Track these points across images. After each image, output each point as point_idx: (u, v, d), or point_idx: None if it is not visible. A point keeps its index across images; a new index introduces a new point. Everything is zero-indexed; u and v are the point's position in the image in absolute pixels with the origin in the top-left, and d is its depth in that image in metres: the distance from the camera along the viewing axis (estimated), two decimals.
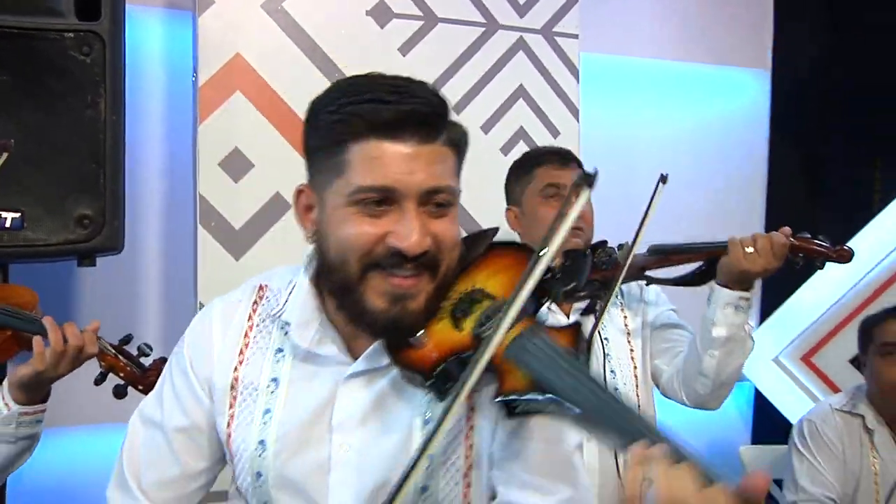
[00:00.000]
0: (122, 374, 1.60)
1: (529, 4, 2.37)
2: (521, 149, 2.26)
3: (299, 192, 1.07)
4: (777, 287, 2.78)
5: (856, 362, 2.53)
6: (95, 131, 1.84)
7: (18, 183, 1.78)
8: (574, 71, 2.40)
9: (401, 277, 0.97)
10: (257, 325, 1.13)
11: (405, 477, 0.93)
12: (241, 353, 1.12)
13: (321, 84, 1.55)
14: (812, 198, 3.20)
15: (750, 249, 1.71)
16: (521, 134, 2.35)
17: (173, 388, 1.14)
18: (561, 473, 1.03)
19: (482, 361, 0.93)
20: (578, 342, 0.99)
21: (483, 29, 2.30)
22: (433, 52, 2.28)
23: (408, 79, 0.99)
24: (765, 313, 2.99)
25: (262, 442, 1.07)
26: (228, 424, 1.09)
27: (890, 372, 2.11)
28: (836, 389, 2.74)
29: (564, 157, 1.82)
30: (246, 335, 1.13)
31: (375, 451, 1.06)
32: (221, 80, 2.08)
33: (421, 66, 2.24)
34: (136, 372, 1.60)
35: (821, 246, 1.73)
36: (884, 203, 2.91)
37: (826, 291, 2.87)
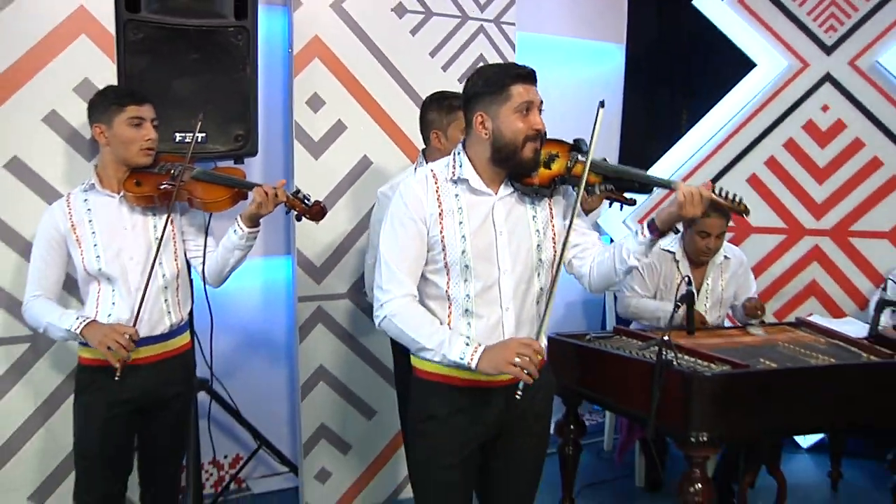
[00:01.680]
0: (298, 210, 2.45)
1: (488, 2, 3.73)
2: None
3: (480, 116, 2.03)
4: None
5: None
6: (244, 86, 3.00)
7: (203, 117, 2.75)
8: (513, 45, 3.77)
9: (536, 143, 2.04)
10: (441, 186, 2.09)
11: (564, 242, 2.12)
12: (438, 199, 2.07)
13: (367, 55, 3.36)
14: (649, 136, 4.67)
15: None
16: None
17: (405, 224, 2.05)
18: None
19: (585, 175, 2.10)
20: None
21: (459, 19, 3.66)
22: (431, 35, 3.56)
23: (515, 63, 2.14)
24: None
25: (463, 236, 2.05)
26: (441, 232, 2.05)
27: (697, 243, 3.52)
28: None
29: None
30: (437, 191, 2.08)
31: (515, 232, 2.10)
32: (306, 51, 3.35)
33: (423, 41, 3.56)
34: (305, 207, 2.45)
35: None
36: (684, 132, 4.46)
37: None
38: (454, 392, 2.12)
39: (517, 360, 1.91)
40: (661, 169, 4.28)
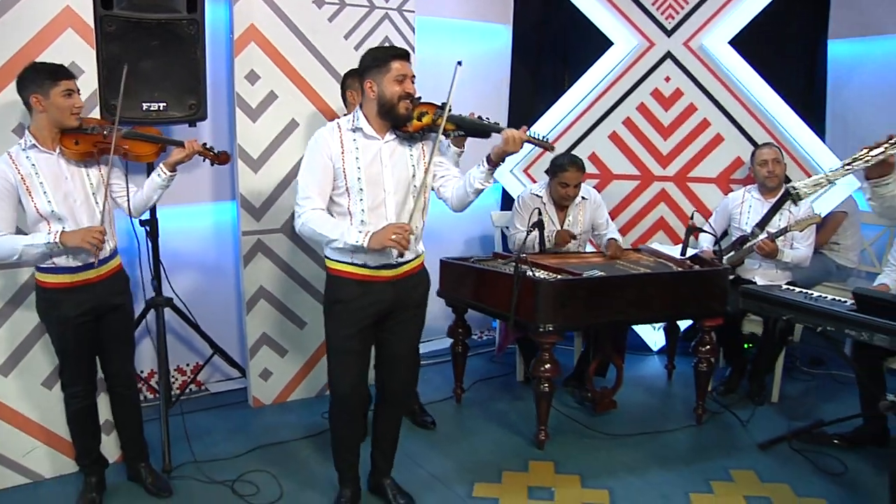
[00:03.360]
0: (209, 157, 3.34)
1: None
2: None
3: (370, 83, 2.87)
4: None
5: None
6: (196, 66, 3.74)
7: (163, 91, 3.67)
8: (413, 28, 4.62)
9: (409, 101, 2.86)
10: (343, 133, 2.91)
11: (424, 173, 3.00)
12: (341, 142, 2.89)
13: (293, 38, 4.26)
14: (532, 100, 5.56)
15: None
16: None
17: (316, 159, 2.89)
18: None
19: (442, 123, 2.98)
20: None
21: (368, 8, 4.52)
22: (345, 21, 4.39)
23: (395, 46, 3.16)
24: None
25: (359, 167, 2.87)
26: (343, 165, 2.87)
27: (559, 191, 4.47)
28: (535, 181, 5.22)
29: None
30: (340, 138, 2.90)
31: (397, 166, 2.95)
32: (244, 36, 4.16)
33: (339, 27, 4.38)
34: (214, 155, 3.34)
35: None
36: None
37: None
38: (355, 283, 3.01)
39: (394, 236, 2.82)
40: (543, 126, 5.26)
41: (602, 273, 3.96)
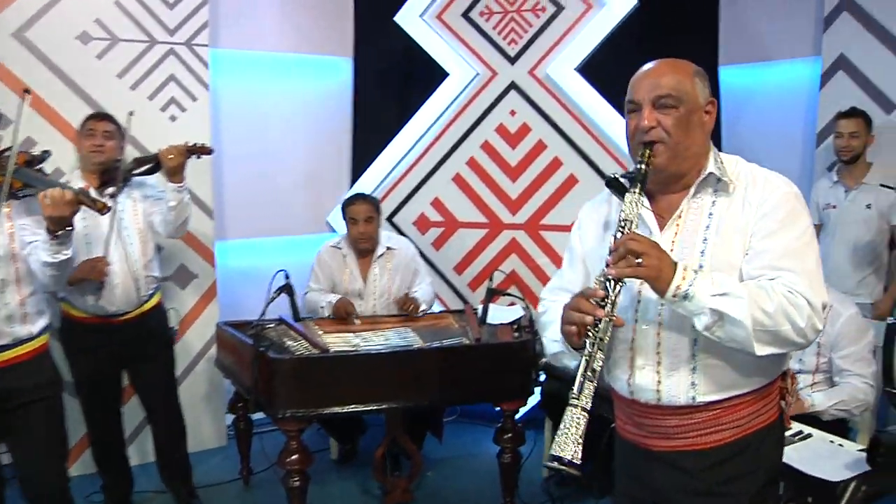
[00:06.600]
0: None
1: (178, 27, 4.14)
2: (174, 110, 4.13)
3: None
4: None
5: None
6: None
7: None
8: (206, 64, 4.18)
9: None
10: None
11: None
12: None
13: (53, 79, 3.76)
14: (378, 139, 4.93)
15: (171, 155, 3.24)
16: (174, 100, 4.11)
17: None
18: None
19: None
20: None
21: (147, 43, 4.06)
22: (117, 59, 3.98)
23: None
24: None
25: None
26: None
27: (350, 231, 3.95)
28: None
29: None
30: None
31: None
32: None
33: (109, 65, 3.97)
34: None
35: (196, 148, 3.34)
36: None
37: None
38: None
39: None
40: (381, 167, 4.77)
41: (358, 348, 3.38)
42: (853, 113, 3.87)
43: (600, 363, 1.60)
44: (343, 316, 3.81)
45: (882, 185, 3.74)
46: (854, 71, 4.10)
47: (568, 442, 1.55)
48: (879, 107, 4.01)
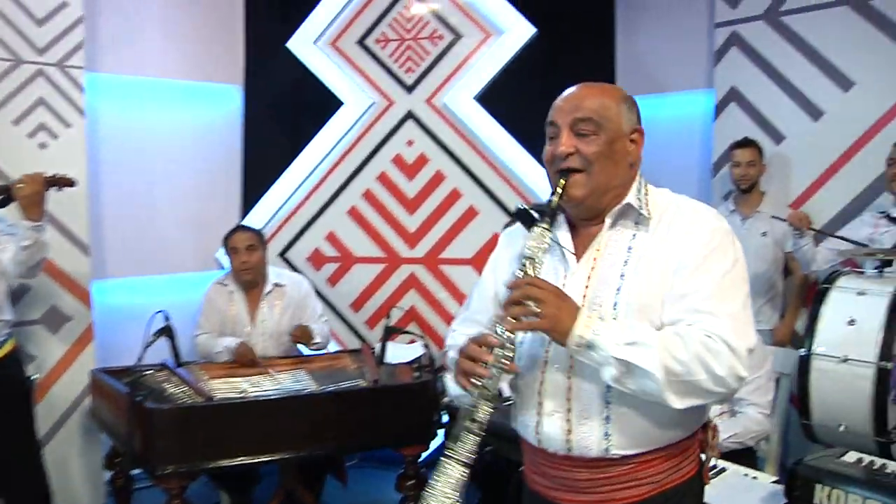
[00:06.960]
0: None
1: (48, 47, 3.80)
2: (43, 137, 3.76)
3: None
4: None
5: None
6: None
7: None
8: (80, 88, 3.85)
9: None
10: None
11: None
12: None
13: None
14: (270, 170, 4.69)
15: (21, 185, 2.93)
16: (44, 126, 3.74)
17: None
18: None
19: None
20: None
21: (12, 62, 3.69)
22: None
23: None
24: None
25: None
26: None
27: (232, 263, 3.71)
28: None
29: None
30: None
31: None
32: None
33: None
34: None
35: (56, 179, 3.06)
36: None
37: None
38: None
39: None
40: (274, 200, 4.53)
41: (246, 394, 3.13)
42: (748, 143, 3.92)
43: (486, 415, 1.47)
44: (247, 362, 3.52)
45: (774, 217, 3.79)
46: (745, 103, 4.17)
47: (435, 499, 1.43)
48: (769, 137, 4.07)
